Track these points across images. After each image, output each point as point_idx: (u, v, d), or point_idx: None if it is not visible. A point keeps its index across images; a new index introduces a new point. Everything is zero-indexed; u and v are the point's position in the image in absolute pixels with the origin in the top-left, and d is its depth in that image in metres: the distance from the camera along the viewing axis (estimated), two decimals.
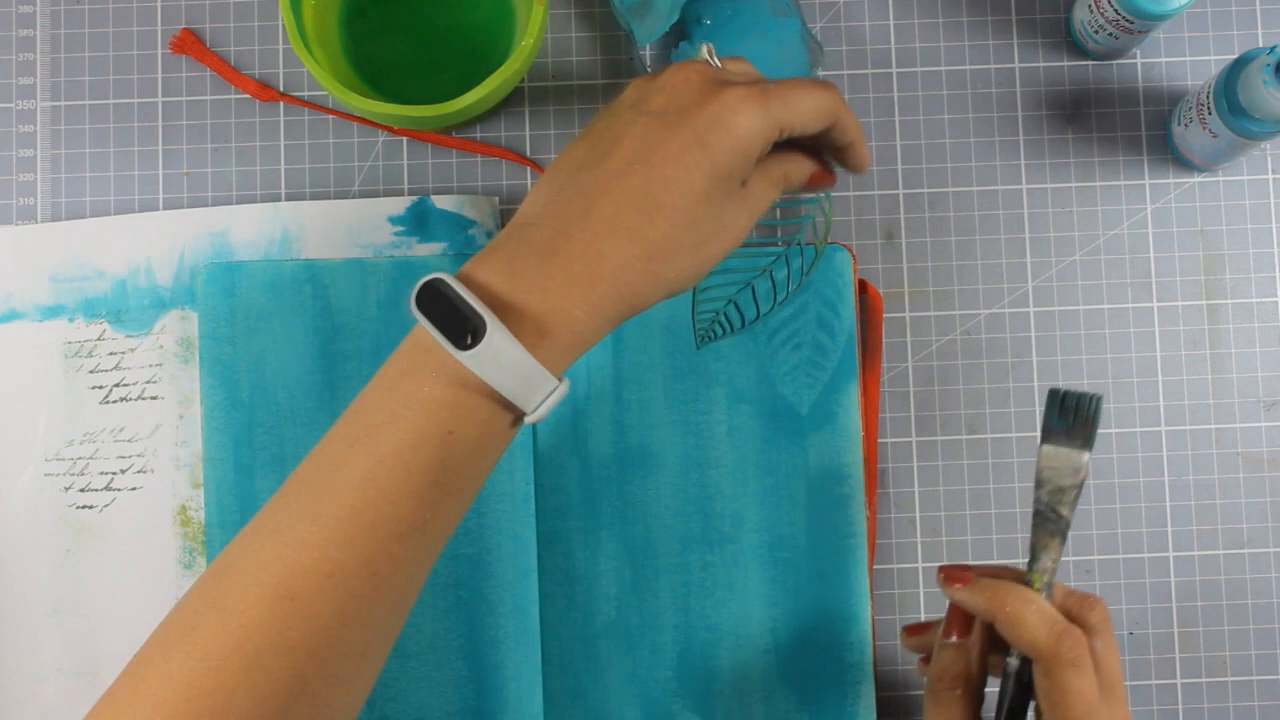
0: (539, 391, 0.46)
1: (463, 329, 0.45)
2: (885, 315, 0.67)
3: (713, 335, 0.64)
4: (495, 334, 0.45)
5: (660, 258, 0.48)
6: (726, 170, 0.49)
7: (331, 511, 0.45)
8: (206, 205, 0.67)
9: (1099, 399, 0.51)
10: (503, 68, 0.60)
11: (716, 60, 0.52)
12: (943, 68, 0.68)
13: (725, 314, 0.64)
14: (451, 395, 0.45)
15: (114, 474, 0.64)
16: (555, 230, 0.47)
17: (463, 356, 0.45)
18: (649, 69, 0.67)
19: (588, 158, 0.49)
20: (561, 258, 0.47)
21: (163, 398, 0.64)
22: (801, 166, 0.54)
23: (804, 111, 0.51)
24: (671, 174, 0.48)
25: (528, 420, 0.47)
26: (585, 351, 0.48)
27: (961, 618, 0.53)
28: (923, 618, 0.65)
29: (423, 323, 0.45)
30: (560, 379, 0.47)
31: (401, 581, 0.46)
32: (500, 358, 0.45)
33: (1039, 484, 0.51)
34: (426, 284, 0.46)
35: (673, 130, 0.48)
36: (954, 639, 0.53)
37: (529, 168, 0.67)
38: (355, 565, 0.45)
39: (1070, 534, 0.66)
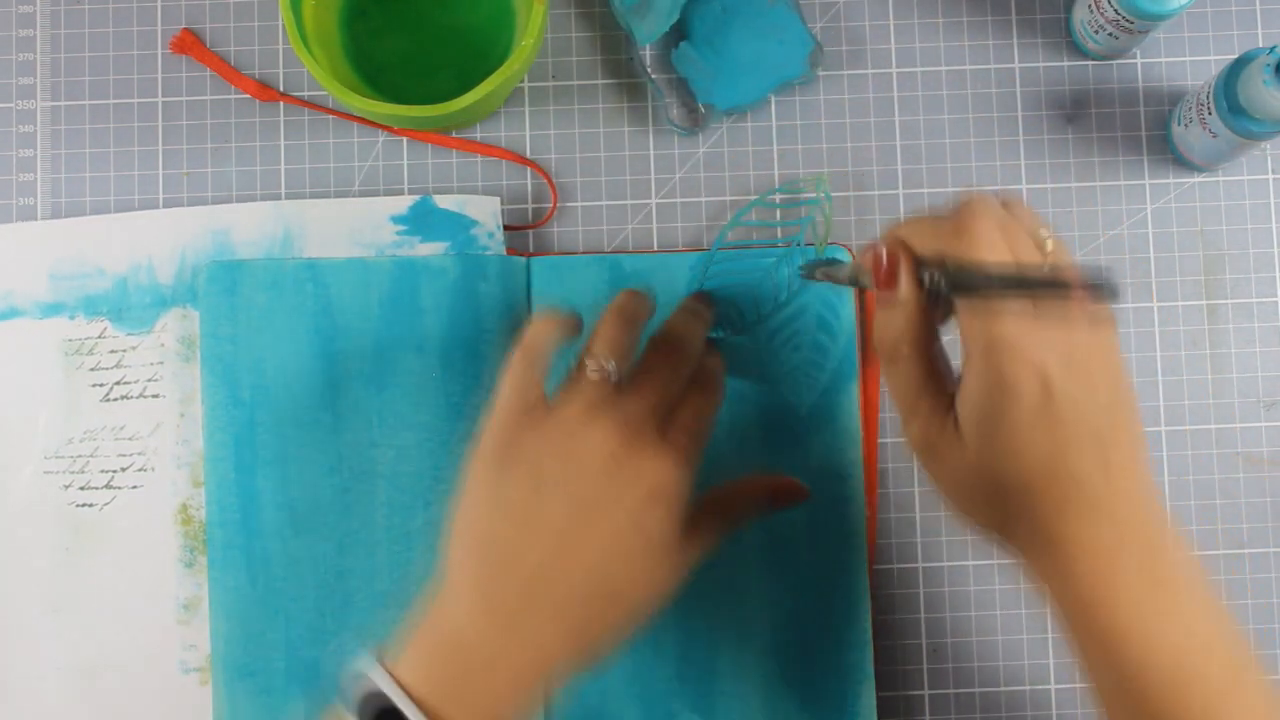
0: None
1: None
2: None
3: (713, 337, 0.64)
4: None
5: (600, 642, 0.49)
6: (663, 542, 0.50)
7: None
8: (207, 205, 0.67)
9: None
10: (503, 68, 0.60)
11: (611, 366, 0.53)
12: (943, 68, 0.68)
13: (726, 315, 0.64)
14: None
15: (114, 472, 0.64)
16: (496, 632, 0.48)
17: None
18: (649, 69, 0.67)
19: (512, 535, 0.49)
20: (506, 667, 0.48)
21: (164, 396, 0.64)
22: (747, 504, 0.56)
23: (716, 405, 0.54)
24: (613, 567, 0.48)
25: None
26: None
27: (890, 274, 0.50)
28: (923, 618, 0.65)
29: None
30: None
31: None
32: None
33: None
34: (370, 697, 0.47)
35: (608, 519, 0.49)
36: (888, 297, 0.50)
37: (529, 168, 0.67)
38: None
39: None
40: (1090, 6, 0.64)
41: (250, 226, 0.65)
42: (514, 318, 0.64)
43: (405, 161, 0.68)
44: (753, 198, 0.66)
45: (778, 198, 0.66)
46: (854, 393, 0.64)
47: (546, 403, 0.52)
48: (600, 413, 0.51)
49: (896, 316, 0.49)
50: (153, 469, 0.64)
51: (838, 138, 0.68)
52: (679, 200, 0.67)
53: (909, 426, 0.50)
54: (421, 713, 0.46)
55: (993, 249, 0.46)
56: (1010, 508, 0.47)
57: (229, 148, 0.68)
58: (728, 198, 0.67)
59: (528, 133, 0.68)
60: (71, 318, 0.65)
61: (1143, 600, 0.45)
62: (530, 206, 0.67)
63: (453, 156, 0.68)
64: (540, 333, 0.54)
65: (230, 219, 0.66)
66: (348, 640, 0.62)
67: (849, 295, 0.65)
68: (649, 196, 0.67)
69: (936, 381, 0.50)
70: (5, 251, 0.66)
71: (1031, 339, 0.45)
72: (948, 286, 0.48)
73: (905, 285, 0.49)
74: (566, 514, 0.49)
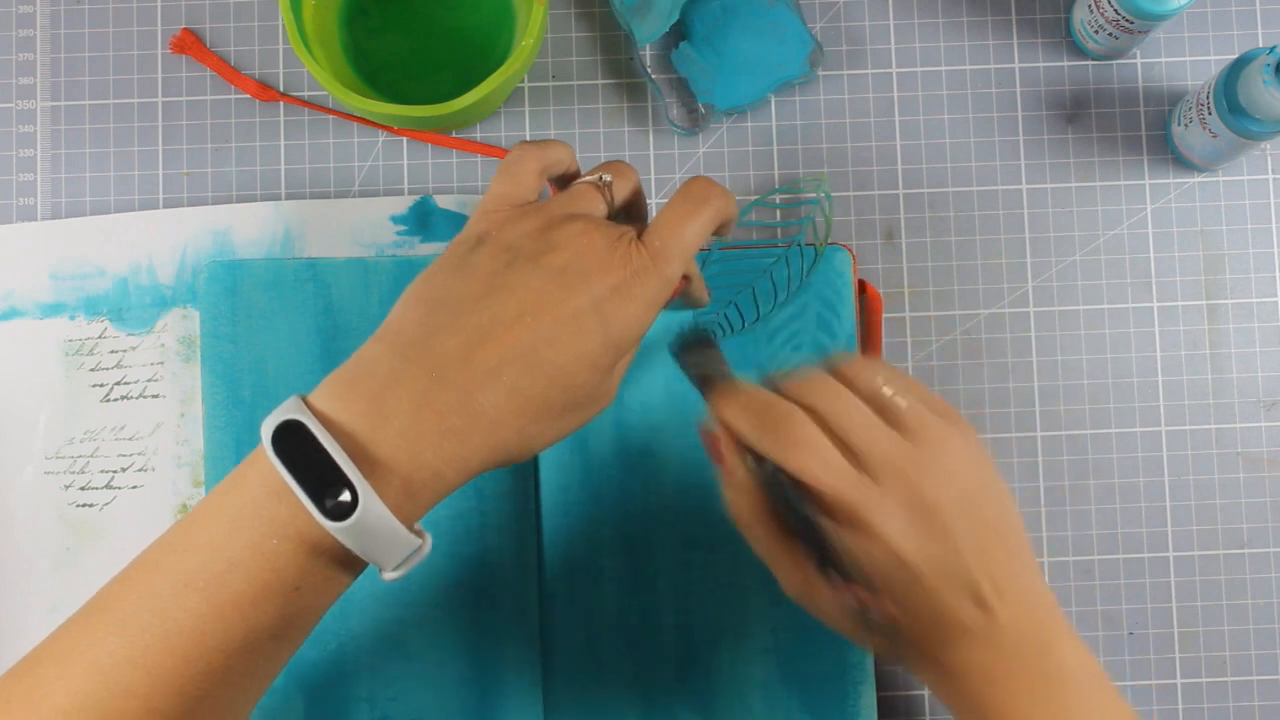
0: (401, 552, 0.44)
1: (325, 487, 0.42)
2: (885, 315, 0.67)
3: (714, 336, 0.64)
4: (366, 503, 0.42)
5: (535, 419, 0.46)
6: (618, 342, 0.47)
7: (159, 660, 0.42)
8: (207, 205, 0.67)
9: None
10: (503, 68, 0.60)
11: (609, 179, 0.51)
12: (943, 68, 0.68)
13: (726, 315, 0.64)
14: (303, 555, 0.43)
15: (115, 472, 0.64)
16: (430, 373, 0.44)
17: (329, 526, 0.42)
18: (649, 69, 0.67)
19: (469, 294, 0.46)
20: (435, 409, 0.44)
21: (164, 396, 0.64)
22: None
23: (692, 243, 0.50)
24: (563, 336, 0.46)
25: (385, 578, 0.45)
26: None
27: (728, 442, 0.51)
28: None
29: (283, 474, 0.42)
30: (423, 535, 0.45)
31: (225, 715, 0.45)
32: (366, 526, 0.42)
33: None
34: (285, 425, 0.43)
35: (571, 292, 0.46)
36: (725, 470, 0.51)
37: None
38: (179, 714, 0.43)
39: (1071, 534, 0.66)
40: (1090, 6, 0.64)
41: (250, 226, 0.65)
42: None
43: (405, 161, 0.68)
44: (753, 198, 0.66)
45: (778, 198, 0.66)
46: None
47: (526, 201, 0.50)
48: (587, 209, 0.49)
49: (735, 493, 0.50)
50: (153, 469, 0.64)
51: (838, 138, 0.68)
52: None
53: (781, 583, 0.51)
54: (328, 433, 0.43)
55: (806, 449, 0.47)
56: (898, 641, 0.49)
57: (229, 148, 0.68)
58: None
59: (528, 133, 0.68)
60: (72, 318, 0.65)
61: (1035, 714, 0.47)
62: None
63: (453, 156, 0.68)
64: (538, 143, 0.52)
65: (230, 219, 0.66)
66: (348, 640, 0.62)
67: (849, 295, 0.65)
68: (649, 197, 0.67)
69: (792, 540, 0.50)
70: (5, 251, 0.66)
71: (874, 514, 0.46)
72: (772, 477, 0.49)
73: (732, 469, 0.50)
74: (530, 285, 0.46)
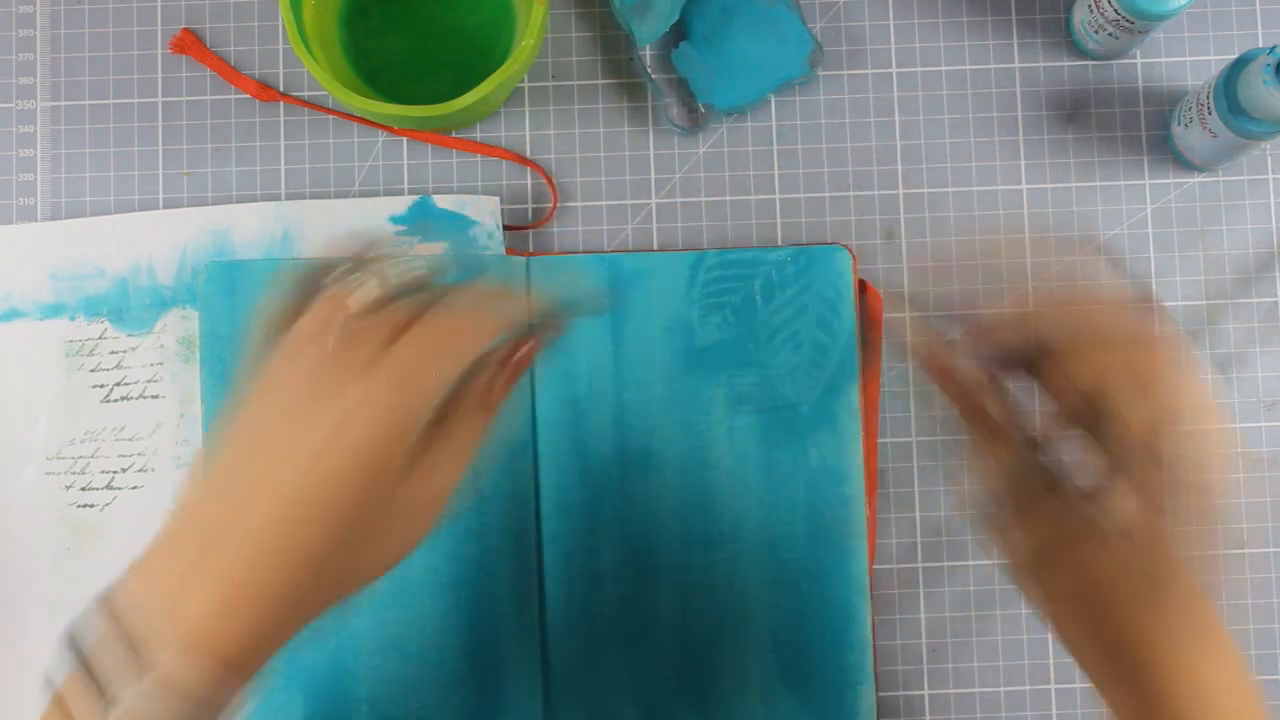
0: None
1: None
2: (885, 315, 0.67)
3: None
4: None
5: (317, 574, 0.44)
6: (371, 469, 0.44)
7: None
8: (207, 205, 0.67)
9: None
10: (503, 68, 0.60)
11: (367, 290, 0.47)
12: (943, 68, 0.68)
13: (725, 316, 0.65)
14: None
15: (115, 473, 0.64)
16: (195, 552, 0.43)
17: None
18: (649, 69, 0.67)
19: (227, 452, 0.45)
20: (201, 584, 0.43)
21: (164, 396, 0.64)
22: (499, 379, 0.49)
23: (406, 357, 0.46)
24: (310, 488, 0.44)
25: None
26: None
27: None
28: (923, 618, 0.65)
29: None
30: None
31: None
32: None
33: None
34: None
35: (307, 436, 0.44)
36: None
37: (529, 168, 0.67)
38: None
39: None
40: (1090, 6, 0.64)
41: (250, 226, 0.65)
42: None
43: (405, 161, 0.68)
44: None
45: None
46: (854, 393, 0.64)
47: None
48: (327, 326, 0.46)
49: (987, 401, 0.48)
50: (153, 469, 0.64)
51: (838, 138, 0.68)
52: (679, 200, 0.67)
53: (1019, 536, 0.47)
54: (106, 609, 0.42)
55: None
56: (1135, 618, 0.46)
57: (229, 148, 0.68)
58: (728, 198, 0.67)
59: (528, 133, 0.68)
60: (72, 318, 0.65)
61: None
62: (530, 206, 0.67)
63: (453, 156, 0.68)
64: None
65: (230, 219, 0.66)
66: (347, 640, 0.62)
67: (849, 295, 0.65)
68: (649, 196, 0.67)
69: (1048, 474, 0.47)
70: (5, 252, 0.66)
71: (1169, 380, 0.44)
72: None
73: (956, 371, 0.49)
74: (275, 429, 0.44)
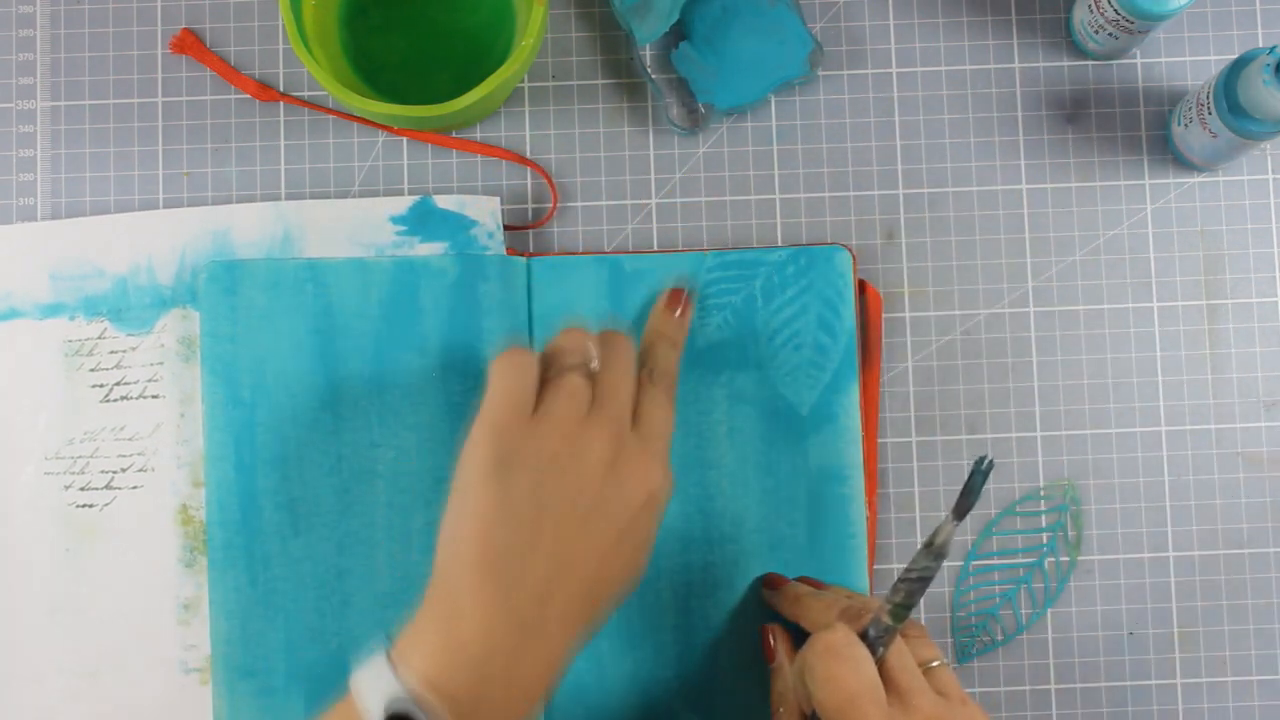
0: None
1: None
2: (885, 315, 0.67)
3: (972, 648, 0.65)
4: None
5: (593, 631, 0.53)
6: (649, 540, 0.54)
7: None
8: (207, 205, 0.67)
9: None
10: (503, 68, 0.60)
11: (594, 365, 0.55)
12: (943, 68, 0.68)
13: (725, 317, 0.65)
14: None
15: (114, 473, 0.64)
16: (513, 644, 0.49)
17: None
18: (649, 69, 0.67)
19: (523, 551, 0.50)
20: (521, 676, 0.49)
21: (164, 396, 0.64)
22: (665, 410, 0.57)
23: (666, 419, 0.56)
24: (608, 568, 0.52)
25: None
26: None
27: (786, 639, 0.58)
28: (923, 619, 0.65)
29: None
30: None
31: None
32: None
33: (938, 554, 0.51)
34: (395, 703, 0.47)
35: (605, 522, 0.52)
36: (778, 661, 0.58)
37: (529, 168, 0.67)
38: None
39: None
40: (1090, 6, 0.64)
41: (250, 226, 0.65)
42: (514, 318, 0.64)
43: (405, 161, 0.68)
44: (995, 512, 0.66)
45: (1017, 513, 0.66)
46: (854, 393, 0.64)
47: (533, 406, 0.53)
48: (589, 418, 0.53)
49: (778, 679, 0.57)
50: (153, 469, 0.64)
51: (838, 138, 0.68)
52: (679, 200, 0.67)
53: None
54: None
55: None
56: None
57: (229, 148, 0.68)
58: (728, 198, 0.67)
59: (528, 133, 0.68)
60: (71, 318, 0.65)
61: None
62: (530, 206, 0.67)
63: (453, 156, 0.68)
64: (522, 342, 0.57)
65: (230, 219, 0.66)
66: (348, 640, 0.62)
67: (849, 295, 0.65)
68: (649, 196, 0.67)
69: None
70: (5, 252, 0.66)
71: None
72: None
73: (780, 667, 0.58)
74: (569, 523, 0.51)
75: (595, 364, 0.55)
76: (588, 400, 0.53)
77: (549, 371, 0.54)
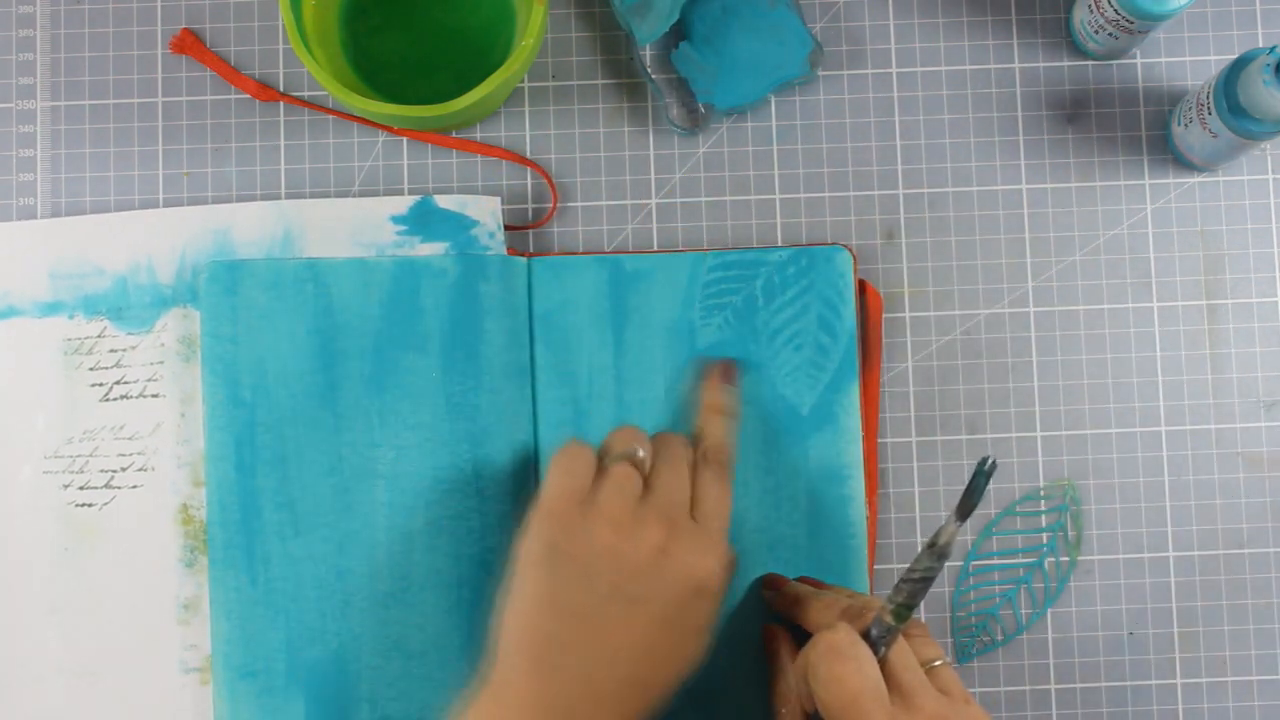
0: None
1: None
2: (885, 315, 0.67)
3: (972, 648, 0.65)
4: None
5: (652, 714, 0.54)
6: (700, 628, 0.55)
7: None
8: (207, 205, 0.67)
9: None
10: (503, 68, 0.60)
11: (642, 455, 0.56)
12: (943, 68, 0.68)
13: (725, 319, 0.65)
14: None
15: (114, 472, 0.64)
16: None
17: None
18: (649, 69, 0.67)
19: (570, 638, 0.52)
20: None
21: (164, 396, 0.64)
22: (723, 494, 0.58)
23: (721, 498, 0.57)
24: (655, 655, 0.53)
25: None
26: None
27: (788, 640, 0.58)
28: (923, 619, 0.65)
29: None
30: None
31: None
32: None
33: (941, 555, 0.51)
34: None
35: (653, 609, 0.53)
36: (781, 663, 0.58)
37: (529, 168, 0.67)
38: None
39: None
40: (1090, 6, 0.64)
41: (250, 226, 0.65)
42: (514, 318, 0.64)
43: (405, 161, 0.68)
44: (995, 512, 0.66)
45: (1018, 516, 0.66)
46: (854, 393, 0.64)
47: (588, 495, 0.55)
48: (640, 507, 0.54)
49: (781, 680, 0.58)
50: (153, 469, 0.64)
51: (838, 138, 0.68)
52: (679, 200, 0.67)
53: None
54: None
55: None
56: None
57: (229, 148, 0.68)
58: (728, 198, 0.67)
59: (528, 133, 0.68)
60: (71, 317, 0.65)
61: None
62: (530, 206, 0.67)
63: (453, 156, 0.68)
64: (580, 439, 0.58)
65: (230, 219, 0.66)
66: (348, 640, 0.62)
67: (849, 295, 0.65)
68: (649, 196, 0.67)
69: None
70: (5, 251, 0.66)
71: None
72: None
73: (783, 668, 0.58)
74: (615, 611, 0.52)
75: (642, 453, 0.56)
76: (638, 489, 0.55)
77: (603, 462, 0.56)
